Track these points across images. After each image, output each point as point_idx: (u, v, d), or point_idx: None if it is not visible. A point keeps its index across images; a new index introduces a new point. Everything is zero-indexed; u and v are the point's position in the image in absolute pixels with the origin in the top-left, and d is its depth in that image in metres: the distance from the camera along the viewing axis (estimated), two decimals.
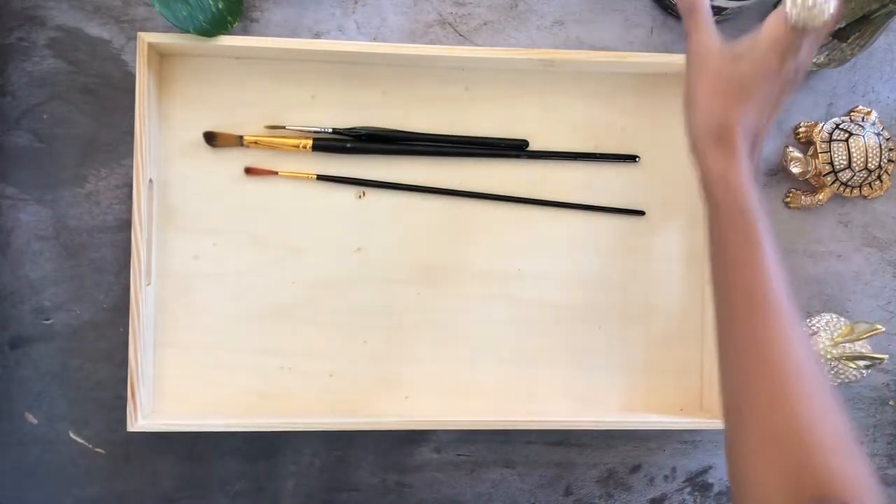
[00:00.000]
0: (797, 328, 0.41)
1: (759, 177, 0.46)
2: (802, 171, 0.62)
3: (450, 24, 0.62)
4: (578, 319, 0.63)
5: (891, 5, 0.55)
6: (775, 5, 0.62)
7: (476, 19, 0.63)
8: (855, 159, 0.62)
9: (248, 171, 0.60)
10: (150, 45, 0.56)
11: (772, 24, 0.43)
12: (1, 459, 0.60)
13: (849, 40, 0.59)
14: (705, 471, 0.65)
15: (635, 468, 0.65)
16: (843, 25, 0.58)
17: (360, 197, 0.61)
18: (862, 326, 0.60)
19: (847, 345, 0.60)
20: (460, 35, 0.63)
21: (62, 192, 0.60)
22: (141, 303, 0.56)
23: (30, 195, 0.60)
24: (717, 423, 0.60)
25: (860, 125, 0.63)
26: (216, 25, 0.56)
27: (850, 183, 0.63)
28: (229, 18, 0.56)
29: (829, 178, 0.63)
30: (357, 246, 0.61)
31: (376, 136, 0.60)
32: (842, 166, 0.62)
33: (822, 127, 0.64)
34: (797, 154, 0.63)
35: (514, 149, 0.62)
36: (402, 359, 0.62)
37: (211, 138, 0.59)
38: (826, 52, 0.60)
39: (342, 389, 0.61)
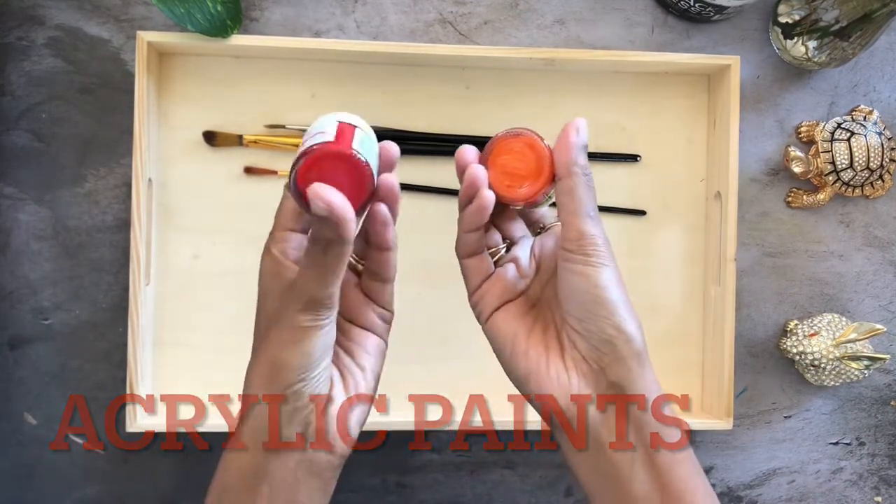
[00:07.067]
0: None
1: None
2: (804, 171, 0.62)
3: (450, 23, 0.62)
4: None
5: (892, 4, 0.54)
6: (776, 4, 0.62)
7: (476, 18, 0.62)
8: (857, 159, 0.62)
9: (248, 170, 0.60)
10: (150, 44, 0.56)
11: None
12: (0, 459, 0.60)
13: (850, 39, 0.58)
14: (706, 471, 0.65)
15: None
16: (844, 24, 0.57)
17: None
18: (863, 326, 0.60)
19: (848, 345, 0.60)
20: (461, 34, 0.62)
21: (61, 191, 0.60)
22: (140, 303, 0.56)
23: (28, 195, 0.59)
24: (717, 423, 0.60)
25: (862, 124, 0.63)
26: (216, 26, 0.55)
27: (851, 182, 0.63)
28: (229, 23, 0.56)
29: (830, 178, 0.63)
30: None
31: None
32: (843, 166, 0.62)
33: (824, 126, 0.63)
34: (798, 153, 0.63)
35: None
36: (403, 359, 0.61)
37: (211, 138, 0.59)
38: (827, 52, 0.60)
39: None
